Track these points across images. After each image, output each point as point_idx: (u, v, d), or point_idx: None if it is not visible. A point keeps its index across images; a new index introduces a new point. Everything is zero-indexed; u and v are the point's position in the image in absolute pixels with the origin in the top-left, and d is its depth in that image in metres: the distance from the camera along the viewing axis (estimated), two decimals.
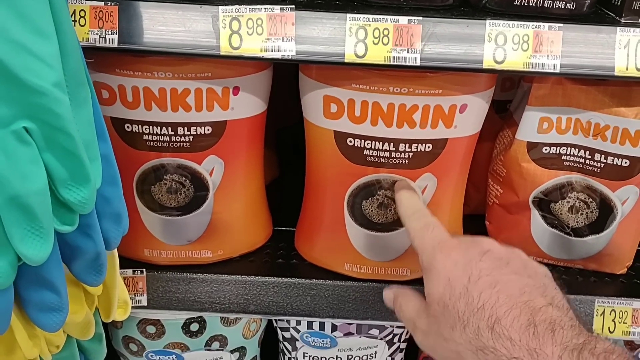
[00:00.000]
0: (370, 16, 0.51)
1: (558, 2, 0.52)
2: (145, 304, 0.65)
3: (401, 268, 0.65)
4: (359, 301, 0.65)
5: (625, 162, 0.61)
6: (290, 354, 0.76)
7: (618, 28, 0.52)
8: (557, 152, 0.64)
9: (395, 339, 0.75)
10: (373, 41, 0.51)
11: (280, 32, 0.51)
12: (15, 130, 0.36)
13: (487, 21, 0.52)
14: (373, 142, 0.59)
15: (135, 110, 0.58)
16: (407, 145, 0.59)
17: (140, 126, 0.59)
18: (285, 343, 0.76)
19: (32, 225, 0.37)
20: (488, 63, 0.52)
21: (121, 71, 0.56)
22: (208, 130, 0.60)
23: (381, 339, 0.74)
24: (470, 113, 0.59)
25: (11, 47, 0.35)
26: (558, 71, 0.52)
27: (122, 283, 0.57)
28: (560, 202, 0.65)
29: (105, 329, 0.60)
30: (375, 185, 0.62)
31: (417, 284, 0.64)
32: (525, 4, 0.53)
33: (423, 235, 0.52)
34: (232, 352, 0.74)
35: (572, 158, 0.64)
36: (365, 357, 0.75)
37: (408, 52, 0.51)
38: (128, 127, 0.59)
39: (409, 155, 0.60)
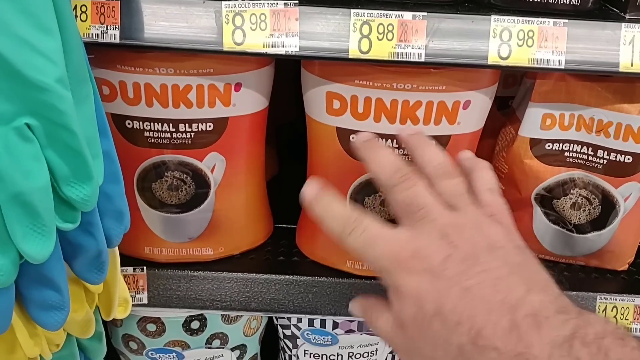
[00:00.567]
0: (375, 12, 0.51)
1: None
2: (146, 302, 0.65)
3: None
4: None
5: (628, 159, 0.61)
6: (291, 352, 0.76)
7: (623, 24, 0.52)
8: (560, 148, 0.64)
9: None
10: (377, 37, 0.51)
11: (283, 27, 0.51)
12: (18, 126, 0.36)
13: (492, 17, 0.51)
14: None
15: (136, 106, 0.58)
16: None
17: (141, 123, 0.59)
18: (286, 340, 0.76)
19: (34, 223, 0.37)
20: (493, 59, 0.51)
21: (122, 67, 0.56)
22: (209, 126, 0.60)
23: None
24: (474, 109, 0.59)
25: (14, 42, 0.34)
26: (563, 67, 0.52)
27: (123, 281, 0.56)
28: (562, 198, 0.65)
29: (105, 327, 0.59)
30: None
31: None
32: (530, 0, 0.52)
33: (364, 247, 0.44)
34: (232, 349, 0.73)
35: (574, 154, 0.64)
36: (366, 355, 0.75)
37: (413, 48, 0.51)
38: (129, 123, 0.59)
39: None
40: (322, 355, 0.74)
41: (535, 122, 0.63)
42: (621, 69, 0.52)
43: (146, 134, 0.59)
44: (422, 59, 0.52)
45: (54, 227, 0.38)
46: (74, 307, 0.47)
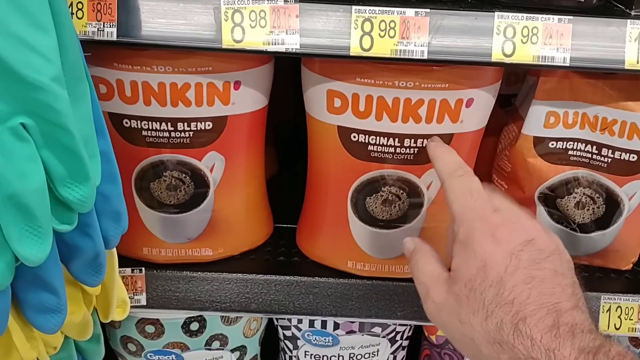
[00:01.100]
0: (377, 8, 0.50)
1: None
2: (144, 304, 0.64)
3: (405, 265, 0.65)
4: (362, 299, 0.65)
5: (633, 157, 0.61)
6: (292, 353, 0.75)
7: (628, 21, 0.51)
8: (564, 147, 0.63)
9: (398, 337, 0.75)
10: (379, 34, 0.50)
11: (284, 24, 0.50)
12: (13, 126, 0.35)
13: (496, 13, 0.51)
14: (377, 138, 0.58)
15: (134, 105, 0.57)
16: (413, 140, 0.58)
17: (139, 122, 0.58)
18: (287, 341, 0.75)
19: (30, 225, 0.36)
20: (497, 56, 0.51)
21: (119, 65, 0.55)
22: (208, 125, 0.59)
23: (384, 336, 0.73)
24: (477, 107, 0.58)
25: (9, 40, 0.34)
26: (568, 64, 0.51)
27: (121, 282, 0.56)
28: (566, 197, 0.65)
29: (103, 329, 0.59)
30: (379, 182, 0.61)
31: None
32: None
33: (465, 203, 0.48)
34: (232, 351, 0.73)
35: (578, 153, 0.63)
36: (367, 355, 0.74)
37: (415, 45, 0.50)
38: (126, 122, 0.58)
39: (414, 150, 0.59)
40: (323, 356, 0.74)
41: (538, 120, 0.62)
42: (627, 66, 0.51)
43: (144, 133, 0.59)
44: (425, 57, 0.51)
45: (50, 229, 0.38)
46: (72, 309, 0.46)
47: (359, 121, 0.58)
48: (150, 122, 0.58)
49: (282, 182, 0.82)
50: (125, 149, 0.59)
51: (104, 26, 0.49)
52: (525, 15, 0.51)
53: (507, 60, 0.51)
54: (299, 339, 0.73)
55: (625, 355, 0.41)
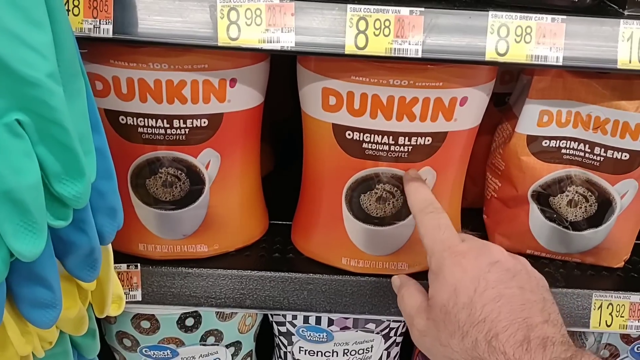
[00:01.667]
0: (371, 7, 0.51)
1: None
2: (140, 299, 0.65)
3: (399, 262, 0.65)
4: (356, 295, 0.65)
5: (625, 156, 0.61)
6: (286, 348, 0.76)
7: (621, 20, 0.52)
8: (557, 145, 0.63)
9: (392, 333, 0.75)
10: (374, 32, 0.51)
11: (279, 22, 0.50)
12: (8, 122, 0.35)
13: (490, 12, 0.51)
14: (372, 135, 0.59)
15: (130, 102, 0.57)
16: (407, 138, 0.59)
17: (135, 118, 0.58)
18: (281, 337, 0.75)
19: (25, 221, 0.36)
20: (491, 55, 0.51)
21: (116, 62, 0.55)
22: (204, 122, 0.59)
23: (377, 333, 0.74)
24: (471, 106, 0.58)
25: (4, 37, 0.34)
26: (561, 64, 0.51)
27: (116, 278, 0.56)
28: (559, 195, 0.65)
29: (99, 325, 0.59)
30: (373, 179, 0.61)
31: (415, 278, 0.64)
32: None
33: (434, 237, 0.52)
34: (227, 346, 0.73)
35: (571, 151, 0.63)
36: (361, 351, 0.75)
37: (410, 44, 0.51)
38: (122, 119, 0.58)
39: (408, 148, 0.59)
40: (318, 352, 0.74)
41: (532, 118, 0.62)
42: (619, 66, 0.52)
43: (140, 129, 0.59)
44: (419, 55, 0.51)
45: (45, 224, 0.38)
46: (67, 304, 0.46)
47: (353, 119, 0.58)
48: (146, 119, 0.58)
49: (279, 179, 0.82)
50: (121, 145, 0.59)
51: (99, 23, 0.50)
52: (519, 14, 0.51)
53: (501, 60, 0.51)
54: (294, 334, 0.74)
55: None
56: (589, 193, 0.64)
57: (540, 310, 0.47)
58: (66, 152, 0.37)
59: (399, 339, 0.78)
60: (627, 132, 0.60)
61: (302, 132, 0.65)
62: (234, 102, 0.59)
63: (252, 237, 0.69)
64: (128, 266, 0.64)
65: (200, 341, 0.71)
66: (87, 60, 0.55)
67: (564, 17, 0.51)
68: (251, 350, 0.78)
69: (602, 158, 0.62)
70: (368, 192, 0.62)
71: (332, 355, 0.74)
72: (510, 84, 0.71)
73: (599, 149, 0.62)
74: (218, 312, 0.70)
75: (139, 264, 0.64)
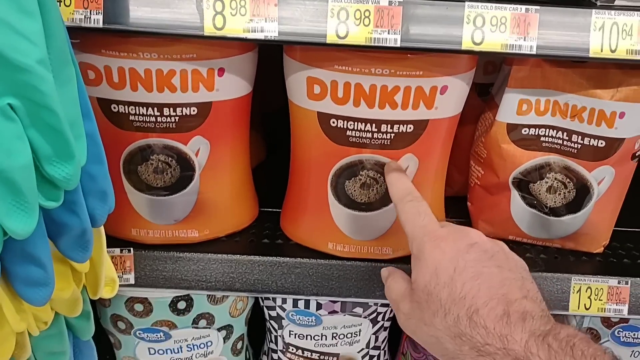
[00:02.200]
0: None
1: None
2: (133, 282, 0.66)
3: (383, 247, 0.67)
4: (342, 279, 0.67)
5: (602, 143, 0.63)
6: (277, 332, 0.77)
7: (593, 10, 0.53)
8: (536, 133, 0.65)
9: (379, 318, 0.76)
10: (354, 22, 0.52)
11: (263, 13, 0.52)
12: (0, 107, 0.37)
13: (466, 3, 0.53)
14: (355, 123, 0.60)
15: (122, 90, 0.59)
16: (389, 126, 0.60)
17: (126, 107, 0.60)
18: (272, 322, 0.77)
19: (16, 200, 0.38)
20: (467, 44, 0.53)
21: (107, 52, 0.57)
22: (193, 111, 0.61)
23: (365, 317, 0.75)
24: (451, 94, 0.60)
25: None
26: (534, 52, 0.53)
27: (110, 261, 0.57)
28: (538, 182, 0.67)
29: (94, 308, 0.60)
30: (357, 166, 0.63)
31: (399, 262, 0.66)
32: None
33: (414, 223, 0.53)
34: (219, 330, 0.75)
35: (550, 139, 0.65)
36: (350, 335, 0.76)
37: (389, 34, 0.52)
38: (114, 107, 0.60)
39: (390, 136, 0.61)
40: (307, 335, 0.76)
41: (511, 107, 0.64)
42: (591, 54, 0.53)
43: (131, 117, 0.61)
44: (398, 45, 0.53)
45: (36, 204, 0.39)
46: (61, 285, 0.48)
47: (337, 107, 0.60)
48: (137, 107, 0.60)
49: (270, 168, 0.84)
50: (113, 133, 0.61)
51: (90, 13, 0.51)
52: (494, 5, 0.53)
53: (477, 49, 0.53)
54: (284, 318, 0.75)
55: (574, 335, 0.44)
56: (568, 180, 0.66)
57: (519, 287, 0.48)
58: (56, 135, 0.39)
59: (387, 324, 0.79)
60: (603, 120, 0.61)
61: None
62: (222, 91, 0.61)
63: (242, 223, 0.71)
64: (121, 250, 0.65)
65: (192, 324, 0.72)
66: (80, 50, 0.57)
67: (538, 7, 0.53)
68: (243, 334, 0.79)
69: (579, 145, 0.64)
70: (352, 179, 0.64)
71: (322, 339, 0.76)
72: (494, 75, 0.73)
73: (576, 136, 0.63)
74: (209, 295, 0.71)
75: (132, 249, 0.66)
